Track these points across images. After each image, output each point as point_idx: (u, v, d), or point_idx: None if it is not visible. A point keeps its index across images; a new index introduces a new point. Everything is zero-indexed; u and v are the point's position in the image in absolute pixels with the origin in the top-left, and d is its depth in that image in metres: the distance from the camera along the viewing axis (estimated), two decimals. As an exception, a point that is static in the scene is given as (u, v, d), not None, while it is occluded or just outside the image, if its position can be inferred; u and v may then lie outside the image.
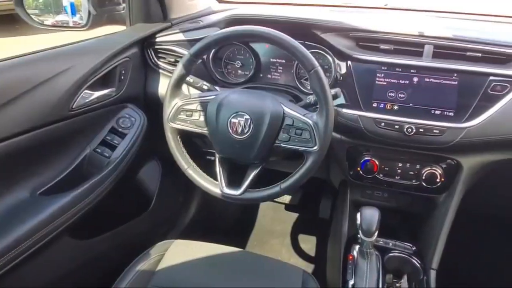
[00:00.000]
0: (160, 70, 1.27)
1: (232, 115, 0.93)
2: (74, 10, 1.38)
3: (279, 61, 1.21)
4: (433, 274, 1.09)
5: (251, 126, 0.92)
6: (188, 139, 1.07)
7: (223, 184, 0.98)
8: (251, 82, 1.22)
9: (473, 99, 0.99)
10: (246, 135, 0.92)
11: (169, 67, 1.25)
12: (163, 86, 1.26)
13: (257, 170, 0.98)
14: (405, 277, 1.03)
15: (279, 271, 1.02)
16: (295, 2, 1.53)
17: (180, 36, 1.24)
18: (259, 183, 0.99)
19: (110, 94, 1.15)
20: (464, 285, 1.32)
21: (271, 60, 1.21)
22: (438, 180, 1.08)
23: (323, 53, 1.13)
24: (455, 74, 1.00)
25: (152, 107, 1.24)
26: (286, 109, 0.93)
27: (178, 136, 1.02)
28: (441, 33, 1.05)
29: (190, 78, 1.03)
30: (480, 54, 1.01)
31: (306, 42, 1.12)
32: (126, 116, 1.20)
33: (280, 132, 0.92)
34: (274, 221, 1.99)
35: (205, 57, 1.23)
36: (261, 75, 1.23)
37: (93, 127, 1.14)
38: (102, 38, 1.21)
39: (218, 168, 1.01)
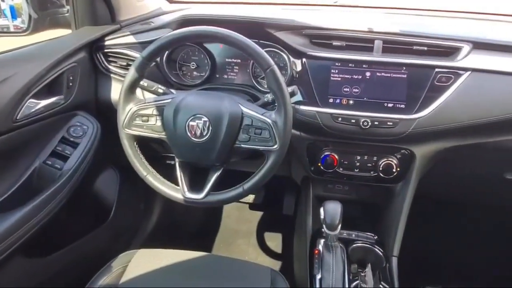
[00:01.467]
0: (112, 75, 1.22)
1: (190, 118, 0.91)
2: (14, 13, 1.30)
3: (235, 61, 1.20)
4: (394, 261, 1.14)
5: (210, 128, 0.91)
6: (145, 144, 1.03)
7: (185, 189, 0.96)
8: (208, 83, 1.20)
9: (421, 91, 1.03)
10: (205, 137, 0.91)
11: (121, 71, 1.21)
12: (116, 91, 1.21)
13: (219, 172, 0.97)
14: (369, 266, 1.06)
15: (247, 272, 1.02)
16: (247, 1, 1.52)
17: (131, 39, 1.20)
18: (222, 185, 0.98)
19: (58, 102, 1.09)
20: (424, 268, 1.38)
21: (227, 60, 1.20)
22: (394, 170, 1.12)
23: (278, 51, 1.14)
24: (404, 68, 1.05)
25: (106, 114, 1.19)
26: (245, 109, 0.92)
27: (135, 143, 0.98)
28: (389, 29, 1.09)
29: (144, 82, 1.00)
30: (425, 48, 1.06)
31: (260, 41, 1.12)
32: (77, 125, 1.14)
33: (240, 133, 0.91)
34: (239, 221, 1.99)
35: (158, 59, 1.20)
36: (217, 75, 1.22)
37: (41, 138, 1.08)
38: (46, 43, 1.14)
39: (178, 173, 0.99)
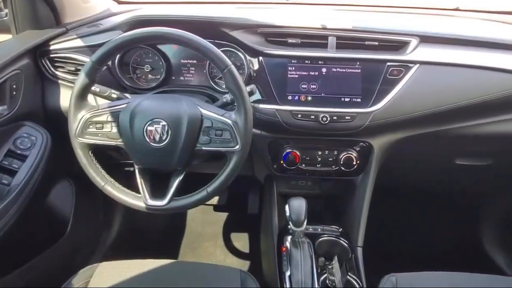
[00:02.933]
0: (60, 81, 1.16)
1: (148, 123, 0.88)
2: None
3: (191, 61, 1.18)
4: (359, 251, 1.17)
5: (169, 132, 0.88)
6: (101, 152, 0.99)
7: (147, 196, 0.93)
8: (164, 86, 1.17)
9: (375, 85, 1.07)
10: (165, 142, 0.88)
11: (70, 77, 1.14)
12: (65, 98, 1.15)
13: (181, 177, 0.95)
14: (336, 258, 1.08)
15: (216, 275, 1.00)
16: (200, 0, 1.49)
17: (79, 42, 1.14)
18: (185, 189, 0.96)
19: (1, 113, 1.01)
20: (389, 256, 1.43)
21: (182, 61, 1.18)
22: (354, 163, 1.15)
23: (234, 50, 1.13)
24: (358, 63, 1.08)
25: (55, 123, 1.13)
26: (204, 111, 0.91)
27: (90, 152, 0.94)
28: (342, 25, 1.11)
29: (96, 87, 0.95)
30: (377, 43, 1.10)
31: (216, 41, 1.11)
32: (24, 136, 1.06)
33: (200, 135, 0.90)
34: (205, 224, 1.96)
35: (110, 63, 1.15)
36: (173, 77, 1.19)
37: None
38: (-16, 50, 1.05)
39: (139, 180, 0.95)
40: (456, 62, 1.08)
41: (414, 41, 1.09)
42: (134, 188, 0.97)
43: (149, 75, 1.18)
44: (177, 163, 0.91)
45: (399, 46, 1.10)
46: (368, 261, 1.14)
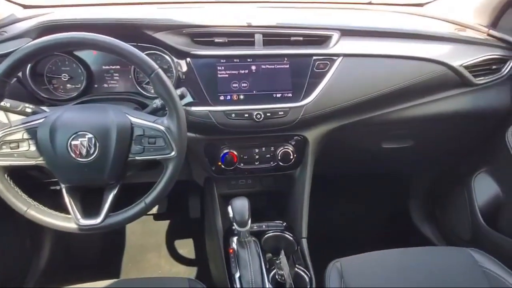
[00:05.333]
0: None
1: (72, 137, 0.82)
2: None
3: (113, 67, 1.11)
4: (304, 242, 1.19)
5: (97, 145, 0.82)
6: (21, 173, 0.89)
7: (78, 216, 0.87)
8: (86, 95, 1.08)
9: (304, 79, 1.10)
10: (93, 156, 0.82)
11: (-28, 93, 1.01)
12: (-31, 117, 1.01)
13: (115, 191, 0.89)
14: (282, 252, 1.09)
15: (163, 288, 0.96)
16: (117, 2, 1.41)
17: None
18: (121, 203, 0.90)
19: None
20: (333, 243, 1.49)
21: (104, 67, 1.10)
22: (291, 157, 1.17)
23: (160, 53, 1.09)
24: (286, 59, 1.10)
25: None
26: (133, 119, 0.86)
27: (6, 175, 0.84)
28: (267, 22, 1.12)
29: (5, 103, 0.85)
30: (301, 38, 1.13)
31: (139, 44, 1.06)
32: None
33: (132, 145, 0.85)
34: (146, 235, 1.88)
35: (20, 74, 1.04)
36: (96, 85, 1.11)
37: None
38: None
39: (67, 199, 0.88)
40: (375, 53, 1.15)
41: (336, 35, 1.14)
42: (63, 208, 0.89)
43: (68, 85, 1.09)
44: (109, 177, 0.86)
45: (323, 40, 1.14)
46: (314, 250, 1.18)
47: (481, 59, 1.19)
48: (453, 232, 1.59)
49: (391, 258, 1.06)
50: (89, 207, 0.90)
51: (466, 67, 1.18)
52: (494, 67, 1.23)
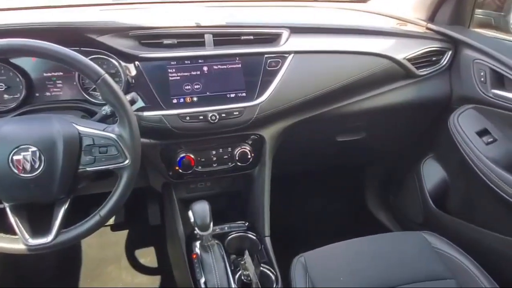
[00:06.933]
0: None
1: (13, 152, 0.76)
2: None
3: (56, 74, 1.04)
4: (267, 240, 1.20)
5: (42, 158, 0.77)
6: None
7: (26, 236, 0.81)
8: (26, 105, 1.01)
9: (257, 78, 1.10)
10: (39, 170, 0.77)
11: None
12: None
13: (66, 205, 0.84)
14: (246, 252, 1.09)
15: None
16: (55, 5, 1.32)
17: None
18: (75, 217, 0.85)
19: None
20: (296, 238, 1.51)
21: (45, 74, 1.03)
22: (249, 156, 1.17)
23: (106, 57, 1.04)
24: (237, 58, 1.09)
25: None
26: (81, 128, 0.81)
27: None
28: (216, 22, 1.11)
29: None
30: (252, 37, 1.13)
31: (82, 49, 1.00)
32: None
33: (82, 156, 0.81)
34: (104, 247, 1.79)
35: None
36: (37, 94, 1.04)
37: None
38: None
39: (12, 219, 0.82)
40: (324, 49, 1.18)
41: (285, 33, 1.15)
42: (8, 228, 0.82)
43: (5, 95, 1.01)
44: (59, 191, 0.81)
45: (273, 38, 1.15)
46: (278, 248, 1.19)
47: (422, 51, 1.26)
48: (407, 217, 1.67)
49: (351, 248, 1.10)
50: (38, 225, 0.84)
51: (409, 60, 1.24)
52: (434, 58, 1.30)
